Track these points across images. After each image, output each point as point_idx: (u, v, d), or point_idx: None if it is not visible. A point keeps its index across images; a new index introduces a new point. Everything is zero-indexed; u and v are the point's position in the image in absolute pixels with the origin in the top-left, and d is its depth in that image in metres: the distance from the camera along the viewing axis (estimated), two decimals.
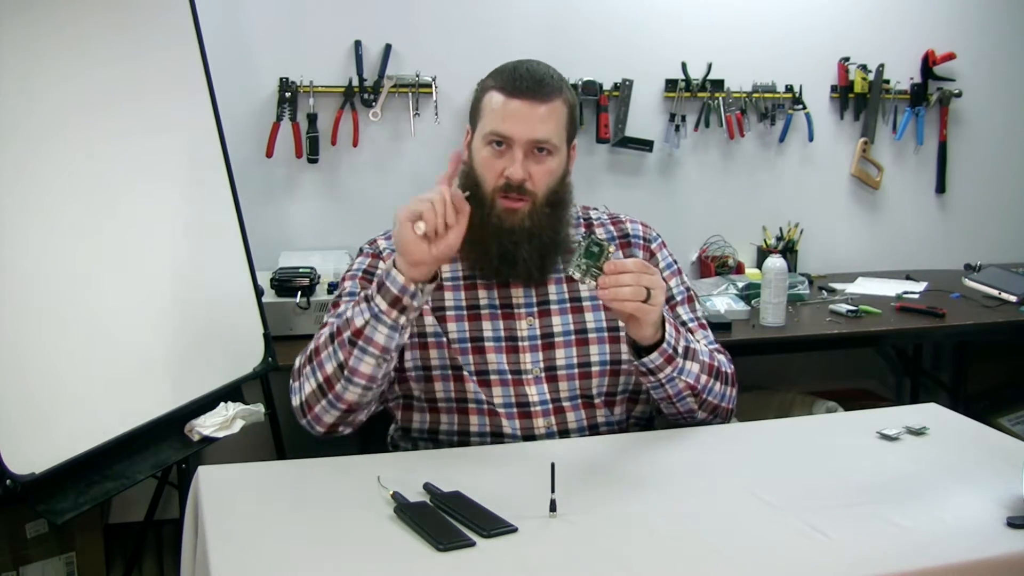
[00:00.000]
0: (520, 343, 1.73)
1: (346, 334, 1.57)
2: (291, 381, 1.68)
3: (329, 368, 1.59)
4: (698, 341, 1.76)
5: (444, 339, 1.72)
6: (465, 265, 1.76)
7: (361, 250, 1.84)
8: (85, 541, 2.47)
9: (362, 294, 1.60)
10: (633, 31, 3.28)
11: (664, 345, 1.60)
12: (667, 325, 1.61)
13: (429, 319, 1.74)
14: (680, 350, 1.63)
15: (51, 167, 1.90)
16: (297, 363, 1.67)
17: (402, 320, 1.56)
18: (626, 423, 1.78)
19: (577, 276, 1.55)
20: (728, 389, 1.76)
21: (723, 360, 1.77)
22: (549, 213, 1.71)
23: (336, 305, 1.76)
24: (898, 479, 1.49)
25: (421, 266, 1.52)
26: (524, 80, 1.67)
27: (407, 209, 1.51)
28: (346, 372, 1.57)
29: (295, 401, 1.66)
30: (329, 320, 1.67)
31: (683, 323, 1.80)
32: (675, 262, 1.88)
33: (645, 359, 1.61)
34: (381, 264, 1.77)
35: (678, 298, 1.83)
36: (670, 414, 1.74)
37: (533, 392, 1.71)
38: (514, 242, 1.69)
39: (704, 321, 1.86)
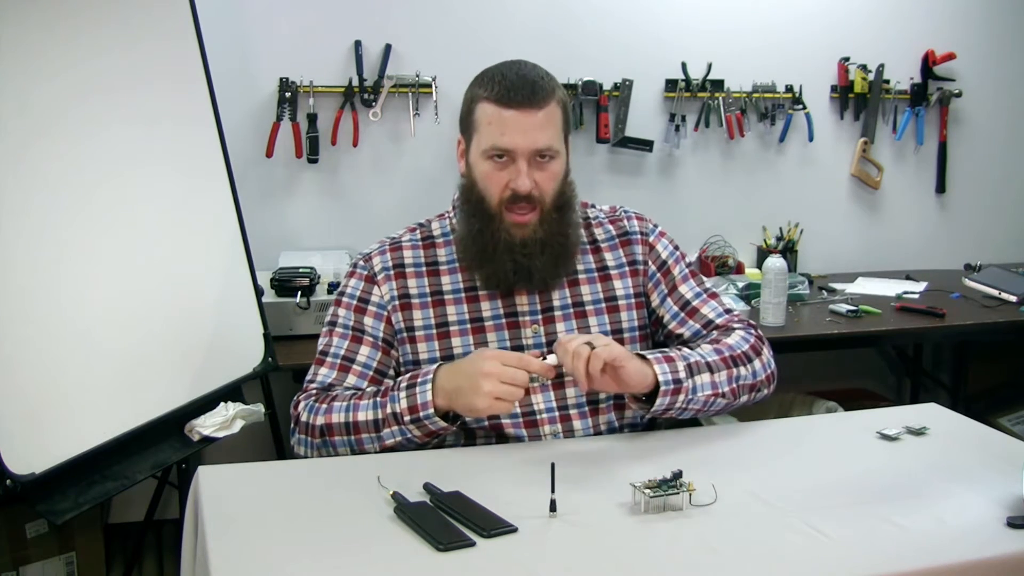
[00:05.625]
0: (525, 351, 1.70)
1: (366, 437, 1.61)
2: (294, 425, 1.68)
3: (344, 451, 1.65)
4: (706, 316, 1.76)
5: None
6: (466, 276, 1.75)
7: (355, 267, 1.78)
8: (85, 541, 2.47)
9: (387, 410, 1.59)
10: (633, 31, 3.28)
11: (662, 387, 1.58)
12: (655, 365, 1.58)
13: (424, 345, 1.73)
14: (683, 373, 1.61)
15: (50, 167, 1.89)
16: (304, 415, 1.66)
17: (434, 441, 1.63)
18: (629, 427, 1.77)
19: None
20: (755, 363, 1.71)
21: (736, 339, 1.72)
22: (558, 218, 1.70)
23: (330, 332, 1.74)
24: (898, 479, 1.49)
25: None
26: (516, 89, 1.63)
27: (494, 382, 1.50)
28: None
29: (302, 451, 1.68)
30: (338, 397, 1.66)
31: (687, 302, 1.77)
32: (677, 248, 1.84)
33: (653, 408, 1.60)
34: (376, 290, 1.74)
35: (678, 277, 1.80)
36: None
37: (539, 400, 1.70)
38: (527, 255, 1.67)
39: (713, 291, 1.82)
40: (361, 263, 1.78)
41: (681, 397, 1.61)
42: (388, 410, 1.59)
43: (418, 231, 1.81)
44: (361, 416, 1.61)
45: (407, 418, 1.57)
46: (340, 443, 1.63)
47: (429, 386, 1.56)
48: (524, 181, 1.64)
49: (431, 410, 1.56)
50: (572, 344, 1.53)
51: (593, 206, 1.86)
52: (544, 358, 1.55)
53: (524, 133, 1.63)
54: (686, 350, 1.67)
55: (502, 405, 1.51)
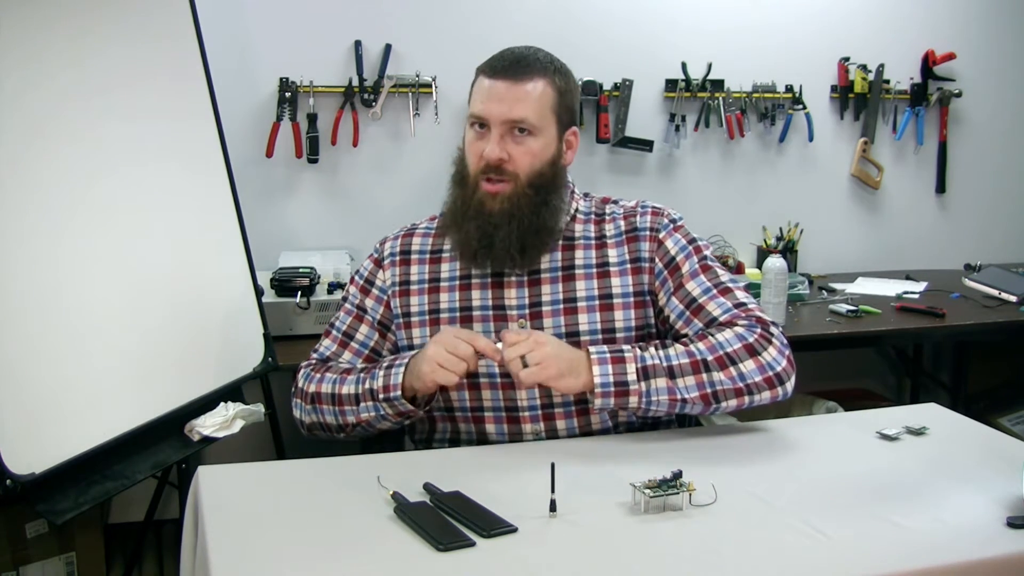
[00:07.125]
0: None
1: (348, 409, 1.69)
2: (293, 391, 1.80)
3: (330, 420, 1.73)
4: (710, 314, 1.69)
5: None
6: (462, 264, 1.76)
7: (373, 249, 1.88)
8: (85, 541, 2.47)
9: (366, 385, 1.67)
10: (633, 31, 3.28)
11: (598, 389, 1.58)
12: (595, 367, 1.58)
13: (418, 331, 1.76)
14: (632, 376, 1.58)
15: (48, 165, 1.89)
16: (300, 382, 1.78)
17: (407, 422, 1.71)
18: (626, 427, 1.76)
19: None
20: (748, 364, 1.64)
21: (728, 336, 1.64)
22: (532, 196, 1.68)
23: (341, 307, 1.85)
24: (898, 479, 1.49)
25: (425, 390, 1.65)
26: (503, 61, 1.69)
27: (439, 349, 1.58)
28: (345, 434, 1.75)
29: (297, 415, 1.79)
30: (329, 374, 1.75)
31: (693, 300, 1.70)
32: (690, 243, 1.75)
33: (595, 405, 1.61)
34: (380, 274, 1.81)
35: (687, 273, 1.72)
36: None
37: (523, 396, 1.70)
38: (493, 224, 1.68)
39: (727, 286, 1.73)
40: (377, 246, 1.87)
41: (633, 399, 1.59)
42: (366, 386, 1.67)
43: (437, 220, 1.85)
44: (345, 390, 1.70)
45: (381, 396, 1.65)
46: (327, 411, 1.72)
47: (402, 369, 1.64)
48: (493, 148, 1.66)
49: (399, 392, 1.63)
50: (509, 354, 1.56)
51: (615, 202, 1.82)
52: (497, 342, 1.60)
53: (500, 102, 1.66)
54: (652, 351, 1.62)
55: (443, 373, 1.56)
